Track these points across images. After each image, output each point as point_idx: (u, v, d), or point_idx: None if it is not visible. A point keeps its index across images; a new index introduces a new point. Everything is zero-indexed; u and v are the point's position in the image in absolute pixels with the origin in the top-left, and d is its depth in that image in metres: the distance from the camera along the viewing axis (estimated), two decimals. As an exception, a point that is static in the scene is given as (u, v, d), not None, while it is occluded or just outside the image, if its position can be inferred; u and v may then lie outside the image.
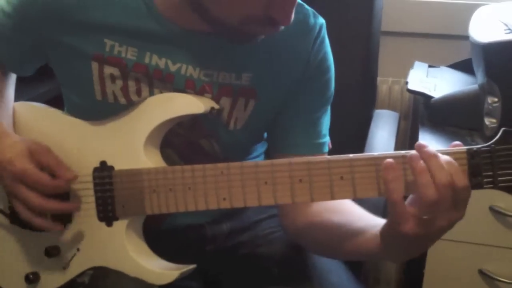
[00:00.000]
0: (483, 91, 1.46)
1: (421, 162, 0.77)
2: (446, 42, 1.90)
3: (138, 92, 1.00)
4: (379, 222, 0.88)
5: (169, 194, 0.93)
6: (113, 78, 1.00)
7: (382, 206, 1.13)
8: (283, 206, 1.07)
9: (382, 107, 1.94)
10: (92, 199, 0.99)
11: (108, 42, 0.99)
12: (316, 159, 0.87)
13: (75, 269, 1.01)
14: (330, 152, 1.04)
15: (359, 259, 1.12)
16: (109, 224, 0.98)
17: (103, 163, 0.99)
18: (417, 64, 1.84)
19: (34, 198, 0.95)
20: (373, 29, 1.69)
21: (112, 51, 0.99)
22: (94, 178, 0.99)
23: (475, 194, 0.81)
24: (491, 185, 0.80)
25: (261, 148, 1.16)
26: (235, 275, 1.16)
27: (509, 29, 1.43)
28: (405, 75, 1.77)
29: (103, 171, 0.98)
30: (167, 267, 0.98)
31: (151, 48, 0.99)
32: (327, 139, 1.08)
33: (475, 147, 0.80)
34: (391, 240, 0.83)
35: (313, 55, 1.04)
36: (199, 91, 1.00)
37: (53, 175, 0.97)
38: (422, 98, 1.67)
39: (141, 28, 0.98)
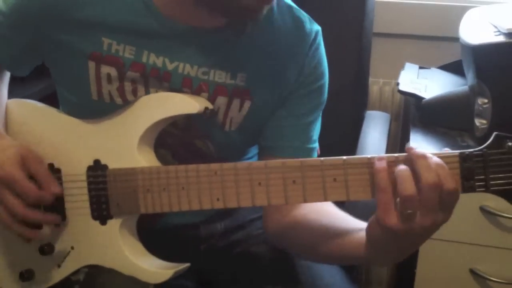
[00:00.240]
0: (474, 92, 1.47)
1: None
2: (437, 44, 1.92)
3: (134, 92, 1.01)
4: (363, 225, 0.89)
5: (163, 194, 0.93)
6: (109, 78, 1.00)
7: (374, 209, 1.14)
8: (269, 207, 1.07)
9: (373, 108, 1.95)
10: (86, 197, 0.99)
11: (106, 41, 0.99)
12: (310, 160, 0.87)
13: (69, 267, 1.02)
14: (323, 152, 1.05)
15: (340, 262, 1.12)
16: (103, 222, 0.98)
17: (97, 162, 0.99)
18: (408, 65, 1.86)
19: (18, 206, 0.94)
20: (364, 31, 1.70)
21: (109, 50, 0.99)
22: (88, 176, 0.99)
23: (466, 194, 0.82)
24: (484, 189, 0.81)
25: (255, 149, 1.16)
26: (229, 274, 1.16)
27: (499, 31, 1.44)
28: (396, 76, 1.78)
29: (97, 170, 0.98)
30: (161, 266, 0.98)
31: (148, 46, 0.99)
32: (316, 145, 1.09)
33: (467, 151, 0.81)
34: (376, 238, 0.83)
35: (307, 60, 1.05)
36: (196, 90, 1.00)
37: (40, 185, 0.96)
38: (413, 99, 1.69)
39: (139, 25, 0.98)
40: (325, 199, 0.86)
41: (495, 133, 0.80)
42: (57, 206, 1.00)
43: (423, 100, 1.61)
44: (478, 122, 1.46)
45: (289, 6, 1.05)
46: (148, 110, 0.98)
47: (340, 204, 0.99)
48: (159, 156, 1.01)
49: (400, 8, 1.92)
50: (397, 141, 1.97)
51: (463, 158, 0.81)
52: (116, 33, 0.98)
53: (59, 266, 1.02)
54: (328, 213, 0.99)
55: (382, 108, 1.97)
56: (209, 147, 1.07)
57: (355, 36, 1.68)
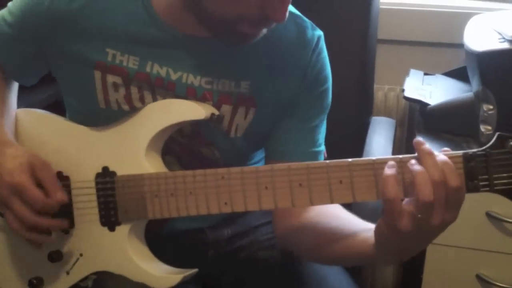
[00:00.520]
0: (478, 98, 1.48)
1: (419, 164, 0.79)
2: (441, 50, 1.92)
3: (142, 99, 1.01)
4: (370, 226, 0.89)
5: (170, 199, 0.94)
6: (116, 86, 1.01)
7: (380, 210, 1.14)
8: (278, 210, 1.07)
9: (378, 114, 1.95)
10: (94, 204, 1.00)
11: (110, 51, 1.00)
12: (315, 163, 0.88)
13: (78, 273, 1.02)
14: (329, 158, 1.06)
15: (348, 264, 1.13)
16: (112, 229, 0.99)
17: (105, 169, 1.00)
18: (413, 71, 1.86)
19: (27, 213, 0.95)
20: (369, 37, 1.70)
21: (114, 60, 1.00)
22: (97, 183, 1.00)
23: (472, 199, 0.83)
24: (487, 188, 0.81)
25: (261, 153, 1.17)
26: (235, 280, 1.17)
27: (503, 38, 1.44)
28: (401, 82, 1.79)
29: (105, 177, 0.99)
30: (169, 272, 0.99)
31: (152, 56, 1.00)
32: (323, 148, 1.10)
33: (470, 151, 0.81)
34: (385, 239, 0.83)
35: (311, 66, 1.05)
36: (200, 99, 1.01)
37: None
38: (418, 105, 1.69)
39: (142, 35, 0.99)
40: (332, 202, 0.87)
41: (497, 133, 0.81)
42: (66, 213, 1.00)
43: (428, 107, 1.61)
44: (483, 128, 1.46)
45: (291, 13, 1.05)
46: (155, 116, 0.99)
47: (347, 207, 1.00)
48: (166, 163, 1.02)
49: (405, 14, 1.92)
50: (402, 146, 1.97)
51: (466, 158, 0.81)
52: (120, 43, 1.00)
53: (67, 273, 1.03)
54: (336, 215, 1.00)
55: (387, 114, 1.97)
56: (215, 154, 1.08)
57: (359, 42, 1.69)
